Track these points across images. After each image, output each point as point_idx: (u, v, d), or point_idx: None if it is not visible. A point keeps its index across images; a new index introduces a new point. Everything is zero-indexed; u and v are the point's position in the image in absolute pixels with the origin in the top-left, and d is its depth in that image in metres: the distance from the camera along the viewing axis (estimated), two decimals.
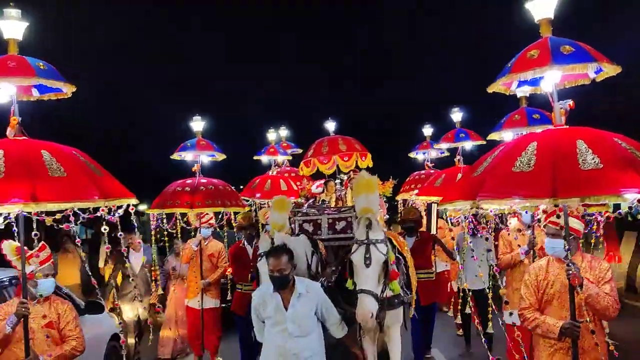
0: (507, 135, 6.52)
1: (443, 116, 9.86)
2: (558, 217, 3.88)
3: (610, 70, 3.83)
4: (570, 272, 3.56)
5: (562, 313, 3.76)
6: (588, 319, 3.69)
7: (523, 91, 4.46)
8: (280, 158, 10.30)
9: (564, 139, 3.52)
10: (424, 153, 10.88)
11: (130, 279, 7.47)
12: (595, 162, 3.27)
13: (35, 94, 4.37)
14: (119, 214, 4.11)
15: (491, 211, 5.38)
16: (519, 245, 5.90)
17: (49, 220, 4.02)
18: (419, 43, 21.68)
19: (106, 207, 3.90)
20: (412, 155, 11.20)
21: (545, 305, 3.88)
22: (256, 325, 4.39)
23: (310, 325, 4.21)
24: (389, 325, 5.16)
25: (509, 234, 6.08)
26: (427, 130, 10.70)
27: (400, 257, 5.64)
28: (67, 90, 4.28)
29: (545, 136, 3.73)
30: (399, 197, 10.11)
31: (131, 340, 7.72)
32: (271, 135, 10.69)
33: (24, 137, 4.01)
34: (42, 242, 4.29)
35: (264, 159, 10.37)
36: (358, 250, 4.56)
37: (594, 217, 5.61)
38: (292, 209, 6.45)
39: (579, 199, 3.27)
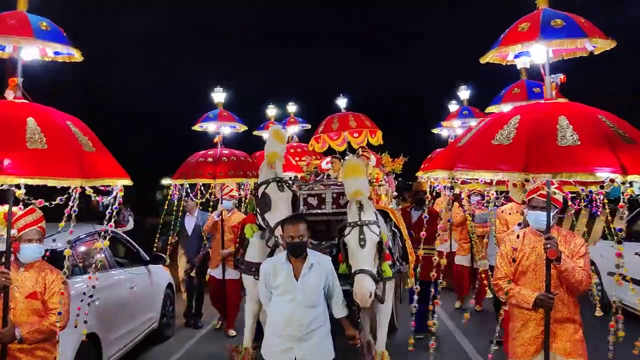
0: (506, 109, 6.26)
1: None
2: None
3: (605, 45, 3.64)
4: (548, 246, 3.51)
5: (536, 284, 3.75)
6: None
7: (523, 62, 4.28)
8: None
9: (547, 114, 3.40)
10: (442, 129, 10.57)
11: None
12: (573, 138, 3.17)
13: (50, 54, 3.93)
14: (111, 195, 3.78)
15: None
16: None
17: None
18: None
19: (82, 187, 3.43)
20: (435, 131, 10.89)
21: (519, 276, 3.85)
22: (263, 292, 4.28)
23: (319, 297, 4.14)
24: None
25: (506, 212, 5.89)
26: (453, 107, 10.39)
27: (396, 230, 5.63)
28: (75, 53, 3.88)
29: (529, 110, 3.61)
30: (420, 174, 9.95)
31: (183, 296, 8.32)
32: (271, 111, 10.61)
33: (23, 101, 3.64)
34: (31, 206, 3.90)
35: (264, 134, 10.25)
36: (352, 232, 4.53)
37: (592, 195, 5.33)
38: (299, 183, 6.48)
39: (551, 175, 3.18)
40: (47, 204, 3.60)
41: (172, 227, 8.29)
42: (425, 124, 14.41)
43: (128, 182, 3.75)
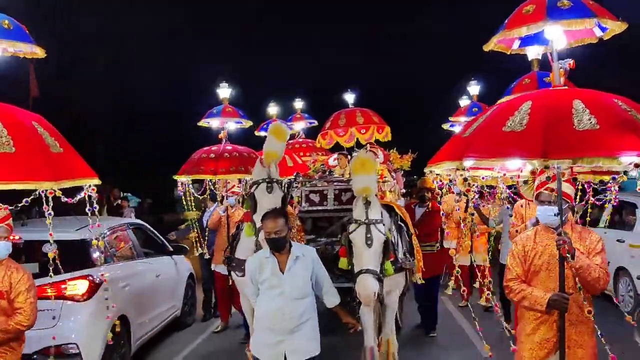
0: None
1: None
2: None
3: (615, 27, 3.46)
4: (561, 241, 3.21)
5: (549, 284, 3.42)
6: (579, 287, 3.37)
7: (536, 53, 4.11)
8: None
9: (560, 99, 3.21)
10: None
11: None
12: (591, 122, 2.96)
13: (11, 49, 3.77)
14: (79, 195, 3.65)
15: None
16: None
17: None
18: None
19: (54, 190, 3.31)
20: (445, 127, 10.59)
21: (532, 277, 3.52)
22: (250, 290, 4.17)
23: (307, 288, 4.02)
24: (388, 291, 4.91)
25: (521, 206, 5.68)
26: (464, 102, 10.21)
27: (402, 224, 5.44)
28: (38, 51, 3.76)
29: (540, 96, 3.42)
30: (427, 169, 9.74)
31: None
32: (272, 109, 10.41)
33: None
34: None
35: (264, 135, 10.07)
36: (358, 230, 4.34)
37: (607, 185, 5.12)
38: (302, 180, 6.31)
39: (571, 160, 2.96)
40: (12, 207, 3.57)
41: (192, 222, 8.33)
42: (425, 123, 14.28)
43: (97, 181, 3.63)
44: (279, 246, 3.96)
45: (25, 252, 5.14)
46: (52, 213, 3.45)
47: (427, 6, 21.68)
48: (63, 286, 4.92)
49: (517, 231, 5.39)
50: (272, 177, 4.72)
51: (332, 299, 4.16)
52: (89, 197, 3.66)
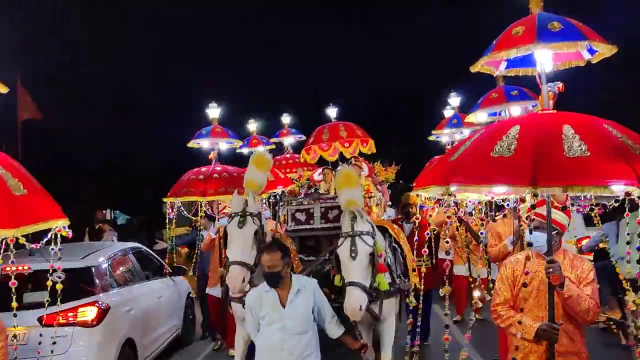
0: (481, 116, 6.31)
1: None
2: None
3: (605, 50, 3.32)
4: (550, 270, 3.09)
5: (538, 312, 3.31)
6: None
7: (500, 71, 4.00)
8: (261, 149, 9.41)
9: (550, 124, 3.08)
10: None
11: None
12: (582, 149, 2.82)
13: None
14: (47, 237, 3.39)
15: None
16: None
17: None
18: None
19: (15, 237, 3.03)
20: (431, 138, 10.32)
21: (520, 303, 3.41)
22: (250, 324, 4.07)
23: (308, 323, 3.92)
24: (384, 315, 4.84)
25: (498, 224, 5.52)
26: (448, 112, 9.99)
27: (397, 246, 5.34)
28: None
29: (529, 120, 3.30)
30: (413, 192, 9.60)
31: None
32: (252, 126, 10.16)
33: None
34: None
35: (246, 151, 9.64)
36: (344, 243, 4.29)
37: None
38: (286, 198, 6.17)
39: (562, 189, 2.85)
40: None
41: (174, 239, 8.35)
42: (426, 124, 14.10)
43: (65, 222, 3.39)
44: (272, 281, 3.88)
45: (32, 281, 5.28)
46: (14, 261, 3.18)
47: (427, 6, 21.46)
48: (72, 313, 5.17)
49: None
50: (246, 211, 4.62)
51: (335, 330, 4.08)
52: (55, 236, 3.42)
